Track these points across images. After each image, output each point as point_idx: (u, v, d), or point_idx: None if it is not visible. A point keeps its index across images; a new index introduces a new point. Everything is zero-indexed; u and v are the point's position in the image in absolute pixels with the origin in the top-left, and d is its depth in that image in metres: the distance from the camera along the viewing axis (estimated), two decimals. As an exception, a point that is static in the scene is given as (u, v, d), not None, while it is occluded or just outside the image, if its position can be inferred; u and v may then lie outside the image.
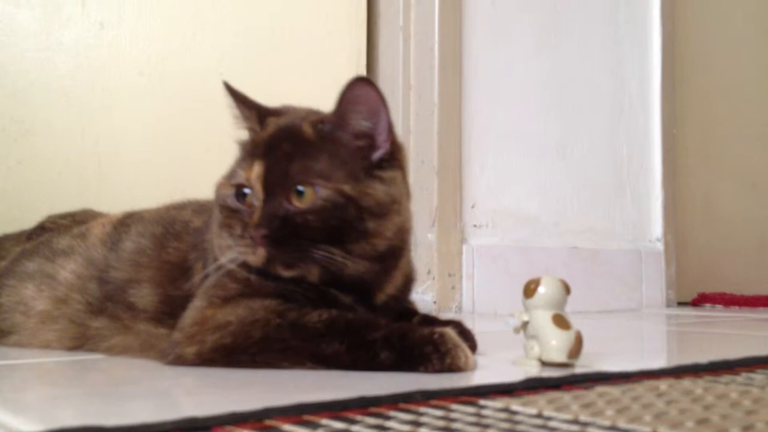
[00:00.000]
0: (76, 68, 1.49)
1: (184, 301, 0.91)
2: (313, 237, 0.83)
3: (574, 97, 2.02)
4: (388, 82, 1.79)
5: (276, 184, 0.84)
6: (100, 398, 0.67)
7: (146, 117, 1.55)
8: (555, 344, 0.82)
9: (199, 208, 1.04)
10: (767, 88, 2.62)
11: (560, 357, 0.82)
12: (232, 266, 0.86)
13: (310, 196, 0.83)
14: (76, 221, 1.17)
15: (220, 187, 0.89)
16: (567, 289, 0.86)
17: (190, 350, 0.84)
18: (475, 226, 1.81)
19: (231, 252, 0.86)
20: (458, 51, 1.80)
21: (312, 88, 1.77)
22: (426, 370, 0.78)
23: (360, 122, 0.88)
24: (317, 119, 0.89)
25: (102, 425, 0.49)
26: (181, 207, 1.07)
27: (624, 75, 2.13)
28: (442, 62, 1.76)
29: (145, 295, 0.96)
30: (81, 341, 1.00)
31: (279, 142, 0.86)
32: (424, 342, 0.79)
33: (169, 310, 0.93)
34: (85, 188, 1.46)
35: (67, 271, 1.04)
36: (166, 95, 1.57)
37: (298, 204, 0.83)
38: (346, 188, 0.84)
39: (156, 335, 0.93)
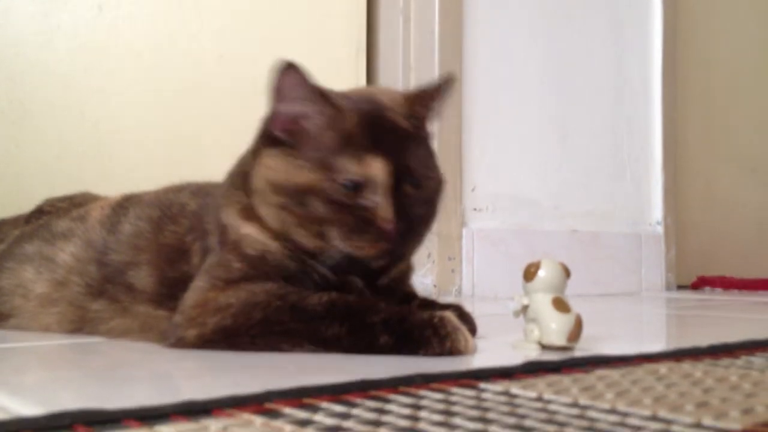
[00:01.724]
0: (75, 51, 1.48)
1: (182, 282, 0.91)
2: (424, 228, 0.89)
3: (575, 80, 2.02)
4: (387, 65, 1.79)
5: (398, 178, 0.84)
6: (100, 381, 0.68)
7: (145, 99, 1.54)
8: (555, 327, 0.82)
9: (197, 190, 1.04)
10: (769, 71, 2.61)
11: (560, 340, 0.82)
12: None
13: (427, 188, 0.88)
14: (74, 204, 1.16)
15: (315, 182, 0.84)
16: (567, 273, 0.86)
17: (192, 333, 0.84)
18: (475, 209, 1.81)
19: (336, 245, 0.84)
20: (459, 34, 1.79)
21: (312, 72, 1.76)
22: (426, 354, 0.78)
23: (428, 114, 0.93)
24: (407, 112, 0.89)
25: (102, 408, 0.49)
26: (178, 190, 1.06)
27: (625, 58, 2.12)
28: (442, 45, 1.75)
29: (143, 277, 0.96)
30: (80, 324, 1.00)
31: (380, 133, 0.86)
32: (424, 326, 0.79)
33: (168, 292, 0.93)
34: (84, 171, 1.46)
35: (66, 253, 1.04)
36: (164, 77, 1.56)
37: (417, 196, 0.86)
38: (442, 177, 0.91)
39: (155, 317, 0.93)
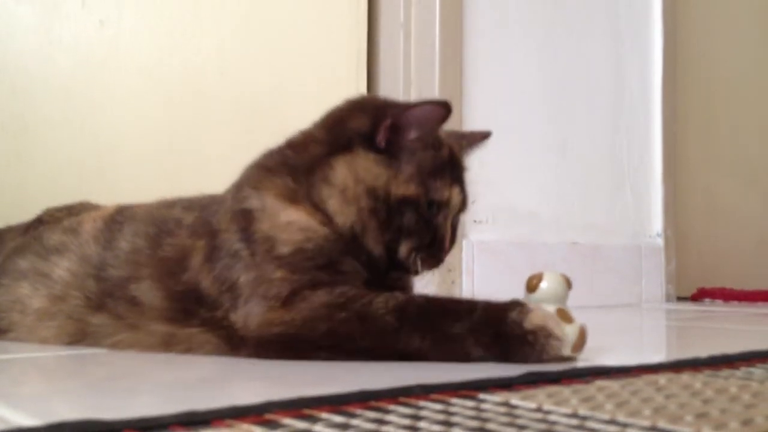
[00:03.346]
0: (76, 65, 1.48)
1: (189, 293, 0.92)
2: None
3: (574, 92, 2.02)
4: (388, 78, 1.79)
5: (460, 209, 0.99)
6: (100, 392, 0.68)
7: (146, 114, 1.55)
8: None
9: (189, 204, 1.04)
10: (768, 83, 2.61)
11: (566, 351, 0.82)
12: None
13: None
14: (72, 214, 1.16)
15: (416, 196, 0.92)
16: (569, 284, 0.86)
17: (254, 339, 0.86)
18: (475, 221, 1.81)
19: (401, 255, 0.93)
20: (459, 47, 1.80)
21: (312, 85, 1.77)
22: (525, 362, 0.79)
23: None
24: (460, 149, 1.04)
25: (101, 419, 0.49)
26: (170, 205, 1.06)
27: (625, 71, 2.13)
28: (442, 58, 1.76)
29: (146, 291, 0.96)
30: (80, 337, 0.99)
31: (455, 166, 0.99)
32: (522, 333, 0.79)
33: (180, 307, 0.93)
34: (85, 183, 1.46)
35: (62, 269, 1.03)
36: (165, 92, 1.56)
37: (459, 220, 1.02)
38: None
39: (177, 335, 0.92)
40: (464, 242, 1.76)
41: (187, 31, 1.60)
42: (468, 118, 1.80)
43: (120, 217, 1.07)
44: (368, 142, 0.92)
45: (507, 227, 1.85)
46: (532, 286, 0.86)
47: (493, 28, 1.87)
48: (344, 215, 0.91)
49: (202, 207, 1.01)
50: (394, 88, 1.76)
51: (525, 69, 1.93)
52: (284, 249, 0.88)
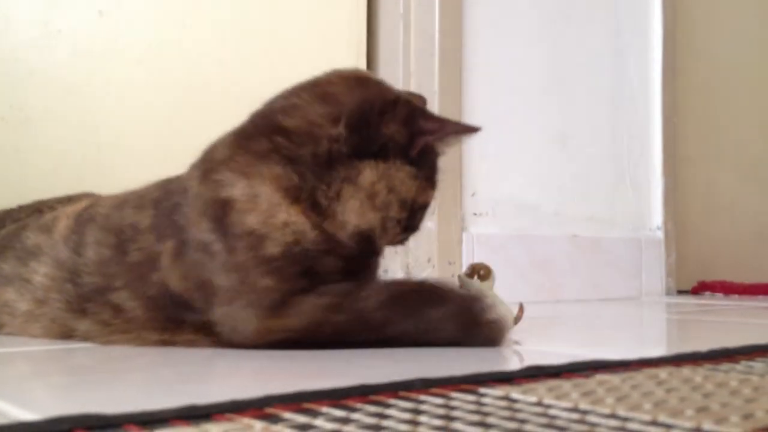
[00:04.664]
0: (75, 56, 1.48)
1: (162, 297, 0.90)
2: None
3: (574, 85, 2.02)
4: (388, 70, 1.79)
5: None
6: (99, 386, 0.67)
7: (145, 105, 1.54)
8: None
9: (138, 203, 0.99)
10: (768, 76, 2.61)
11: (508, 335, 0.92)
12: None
13: None
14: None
15: (431, 199, 0.97)
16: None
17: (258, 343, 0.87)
18: (475, 214, 1.81)
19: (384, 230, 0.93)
20: (459, 39, 1.79)
21: (312, 75, 1.77)
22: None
23: None
24: None
25: (102, 412, 0.49)
26: (120, 205, 1.01)
27: (625, 63, 2.12)
28: (442, 50, 1.75)
29: (127, 300, 0.93)
30: (67, 338, 0.98)
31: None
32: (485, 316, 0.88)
33: (160, 316, 0.91)
34: (84, 176, 1.46)
35: (40, 275, 1.01)
36: (164, 83, 1.56)
37: None
38: None
39: (176, 341, 0.91)
40: (464, 235, 1.76)
41: (187, 21, 1.59)
42: (467, 110, 1.80)
43: (86, 215, 1.04)
44: (403, 152, 0.91)
45: (507, 220, 1.85)
46: (481, 275, 1.01)
47: (493, 19, 1.86)
48: (365, 220, 0.89)
49: (155, 203, 0.96)
50: (394, 80, 1.76)
51: (525, 61, 1.93)
52: (275, 250, 0.85)
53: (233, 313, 0.86)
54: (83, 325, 0.97)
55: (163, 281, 0.90)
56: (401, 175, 0.90)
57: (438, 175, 0.97)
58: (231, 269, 0.86)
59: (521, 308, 1.03)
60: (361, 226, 0.89)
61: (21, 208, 1.22)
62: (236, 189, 0.87)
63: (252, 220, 0.86)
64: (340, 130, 0.89)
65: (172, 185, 0.97)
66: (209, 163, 0.93)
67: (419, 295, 0.88)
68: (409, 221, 0.94)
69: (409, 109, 0.92)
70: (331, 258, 0.90)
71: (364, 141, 0.89)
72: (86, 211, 1.05)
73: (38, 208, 1.18)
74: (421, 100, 1.04)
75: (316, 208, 0.88)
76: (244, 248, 0.85)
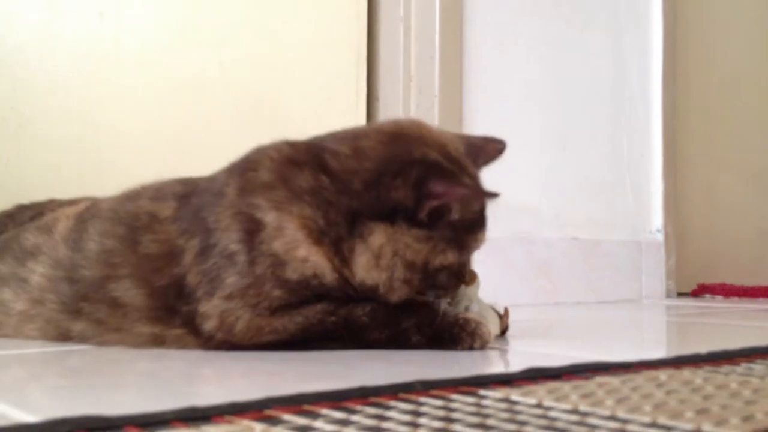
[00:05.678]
0: (76, 59, 1.48)
1: (173, 288, 0.91)
2: None
3: (574, 88, 2.02)
4: (388, 74, 1.79)
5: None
6: (99, 388, 0.68)
7: (146, 107, 1.54)
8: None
9: (155, 194, 1.00)
10: (768, 79, 2.61)
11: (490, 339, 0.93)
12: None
13: None
14: (41, 215, 1.15)
15: (454, 262, 0.93)
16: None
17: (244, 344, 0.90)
18: (475, 217, 1.80)
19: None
20: (459, 42, 1.79)
21: (312, 79, 1.77)
22: (462, 349, 0.90)
23: None
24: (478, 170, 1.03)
25: (102, 414, 0.49)
26: (134, 197, 1.02)
27: (625, 66, 2.13)
28: (442, 53, 1.75)
29: (128, 290, 0.94)
30: (62, 340, 0.98)
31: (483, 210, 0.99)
32: (452, 326, 0.90)
33: (161, 305, 0.92)
34: (85, 179, 1.46)
35: (37, 275, 1.02)
36: (165, 86, 1.56)
37: None
38: None
39: (164, 335, 0.92)
40: (464, 237, 1.76)
41: (188, 24, 1.59)
42: (467, 113, 1.80)
43: (87, 214, 1.05)
44: (410, 215, 0.89)
45: (507, 223, 1.85)
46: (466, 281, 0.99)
47: (493, 22, 1.87)
48: (371, 277, 0.90)
49: (178, 197, 0.98)
50: (394, 83, 1.76)
51: (525, 64, 1.93)
52: (293, 275, 0.89)
53: (227, 308, 0.88)
54: (78, 326, 0.97)
55: (183, 274, 0.92)
56: (406, 239, 0.89)
57: (472, 234, 0.93)
58: (247, 275, 0.88)
59: (506, 313, 1.02)
60: (367, 281, 0.90)
61: (22, 210, 1.21)
62: (268, 216, 0.90)
63: (277, 246, 0.89)
64: (358, 179, 0.91)
65: (203, 183, 0.98)
66: (249, 183, 0.93)
67: (396, 307, 0.91)
68: (428, 281, 0.91)
69: (423, 171, 0.89)
70: (343, 294, 0.92)
71: (375, 203, 0.89)
72: (87, 210, 1.06)
73: (40, 212, 1.18)
74: (488, 144, 1.06)
75: (339, 254, 0.90)
76: (266, 265, 0.89)
